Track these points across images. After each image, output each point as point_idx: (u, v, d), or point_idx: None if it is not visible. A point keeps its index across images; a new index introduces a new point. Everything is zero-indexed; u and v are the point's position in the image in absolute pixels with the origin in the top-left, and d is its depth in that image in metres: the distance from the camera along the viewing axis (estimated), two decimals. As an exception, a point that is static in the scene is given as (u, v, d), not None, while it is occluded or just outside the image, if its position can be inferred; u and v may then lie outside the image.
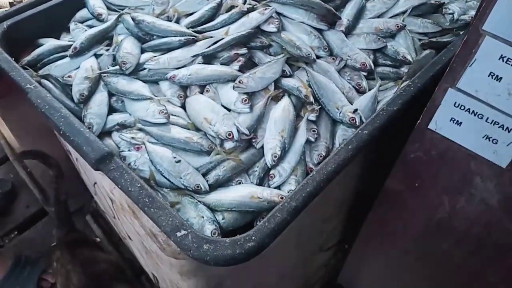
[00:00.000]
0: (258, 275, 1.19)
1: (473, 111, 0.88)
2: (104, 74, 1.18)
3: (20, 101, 1.63)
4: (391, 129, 1.02)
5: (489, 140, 0.89)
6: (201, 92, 1.12)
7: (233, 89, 1.06)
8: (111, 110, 1.15)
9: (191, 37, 1.20)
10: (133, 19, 1.26)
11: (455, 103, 0.90)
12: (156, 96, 1.13)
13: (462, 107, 0.89)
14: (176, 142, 1.02)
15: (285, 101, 1.08)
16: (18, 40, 1.33)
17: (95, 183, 1.46)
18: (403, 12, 1.28)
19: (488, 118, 0.87)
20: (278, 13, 1.25)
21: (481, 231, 1.06)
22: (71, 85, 1.16)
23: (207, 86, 1.12)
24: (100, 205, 1.86)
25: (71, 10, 1.42)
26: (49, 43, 1.30)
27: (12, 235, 2.16)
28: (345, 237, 1.60)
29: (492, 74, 0.82)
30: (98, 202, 1.89)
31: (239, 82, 1.07)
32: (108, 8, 1.38)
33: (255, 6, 1.26)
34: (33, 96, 1.08)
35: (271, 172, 0.99)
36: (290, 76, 1.16)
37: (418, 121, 0.98)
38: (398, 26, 1.22)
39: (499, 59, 0.79)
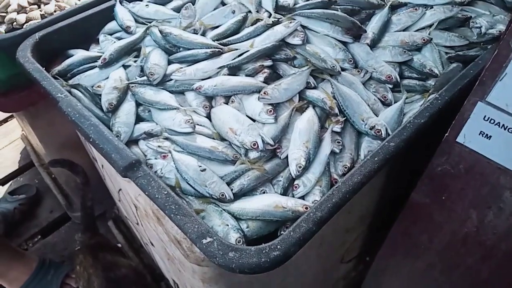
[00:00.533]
0: (279, 284, 1.19)
1: (503, 125, 0.87)
2: (132, 85, 1.21)
3: (48, 109, 1.69)
4: (417, 142, 1.01)
5: (520, 154, 0.88)
6: (226, 103, 1.14)
7: (258, 100, 1.08)
8: (139, 119, 1.18)
9: (217, 49, 1.22)
10: (160, 31, 1.29)
11: (485, 116, 0.88)
12: (182, 106, 1.15)
13: (492, 121, 0.88)
14: (201, 151, 1.04)
15: (310, 112, 1.09)
16: (49, 50, 1.38)
17: (120, 189, 1.49)
18: (429, 26, 1.27)
19: (518, 132, 0.85)
20: (303, 26, 1.26)
21: (510, 246, 1.04)
22: (100, 95, 1.19)
23: (232, 97, 1.13)
24: (123, 211, 1.88)
25: (100, 22, 1.46)
26: (79, 54, 1.34)
27: (35, 239, 2.21)
28: (366, 249, 1.58)
29: (523, 88, 0.81)
30: (121, 208, 1.92)
31: (264, 93, 1.08)
32: (136, 21, 1.42)
33: (280, 20, 1.28)
34: (64, 105, 1.11)
35: (296, 182, 0.99)
36: (315, 87, 1.17)
37: (446, 134, 0.97)
38: (424, 40, 1.21)
39: (531, 72, 0.78)
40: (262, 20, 1.28)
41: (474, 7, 1.38)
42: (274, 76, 1.21)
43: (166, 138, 1.09)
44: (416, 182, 1.13)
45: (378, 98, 1.15)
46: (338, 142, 1.06)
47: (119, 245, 2.04)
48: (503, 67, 0.82)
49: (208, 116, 1.13)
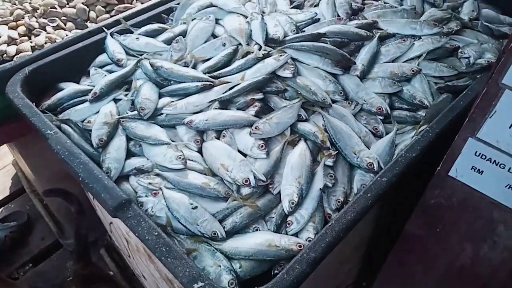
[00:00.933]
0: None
1: (494, 160, 0.87)
2: (123, 119, 1.20)
3: (39, 139, 1.67)
4: (410, 175, 1.01)
5: (512, 190, 0.88)
6: (218, 137, 1.13)
7: (250, 135, 1.07)
8: (129, 154, 1.17)
9: (208, 83, 1.22)
10: (151, 65, 1.29)
11: (476, 152, 0.89)
12: (173, 141, 1.14)
13: (483, 156, 0.88)
14: (193, 188, 1.03)
15: (302, 146, 1.08)
16: (39, 84, 1.38)
17: (111, 222, 1.47)
18: (418, 56, 1.29)
19: (510, 168, 0.85)
20: (293, 59, 1.27)
21: (505, 278, 1.03)
22: (90, 130, 1.18)
23: (224, 131, 1.13)
24: (115, 241, 1.85)
25: (91, 55, 1.46)
26: (69, 88, 1.34)
27: (27, 267, 2.16)
28: (362, 275, 1.56)
29: (513, 126, 0.81)
30: (113, 237, 1.88)
31: (256, 128, 1.07)
32: (127, 53, 1.42)
33: (270, 52, 1.29)
34: (53, 142, 1.10)
35: (289, 219, 0.98)
36: (306, 120, 1.17)
37: (438, 168, 0.97)
38: (413, 70, 1.23)
39: (520, 111, 0.78)
40: (252, 52, 1.29)
41: (462, 36, 1.40)
42: (265, 108, 1.21)
43: (157, 174, 1.08)
44: (410, 212, 1.13)
45: (370, 130, 1.15)
46: (331, 176, 1.05)
47: (111, 273, 2.00)
48: (492, 105, 0.82)
49: (200, 151, 1.12)
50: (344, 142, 1.09)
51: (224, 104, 1.20)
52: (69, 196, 1.69)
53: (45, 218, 2.29)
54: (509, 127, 0.82)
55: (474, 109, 0.85)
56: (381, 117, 1.18)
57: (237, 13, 1.45)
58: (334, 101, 1.21)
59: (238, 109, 1.18)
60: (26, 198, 2.47)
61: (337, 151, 1.09)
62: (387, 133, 1.16)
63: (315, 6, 1.53)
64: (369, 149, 1.10)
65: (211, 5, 1.52)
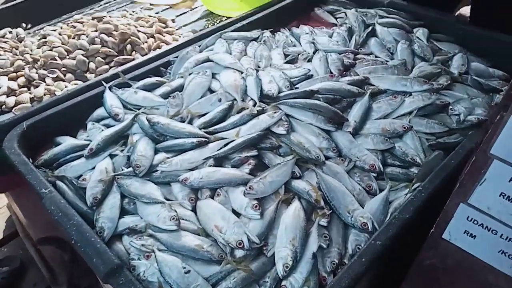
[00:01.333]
0: None
1: (486, 226, 0.87)
2: (118, 176, 1.20)
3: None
4: (404, 236, 1.01)
5: (505, 255, 0.87)
6: (212, 196, 1.13)
7: (244, 195, 1.07)
8: (123, 211, 1.16)
9: (203, 139, 1.24)
10: (148, 120, 1.31)
11: (468, 217, 0.89)
12: (168, 198, 1.15)
13: (475, 222, 0.88)
14: (186, 250, 1.02)
15: (296, 206, 1.08)
16: (36, 138, 1.39)
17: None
18: (409, 113, 1.31)
19: (502, 234, 0.85)
20: (287, 115, 1.29)
21: None
22: (85, 188, 1.18)
23: (218, 190, 1.13)
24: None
25: (89, 108, 1.48)
26: (66, 143, 1.35)
27: (18, 315, 2.11)
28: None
29: (503, 194, 0.82)
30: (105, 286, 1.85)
31: (250, 188, 1.08)
32: (125, 107, 1.44)
33: (265, 108, 1.31)
34: (47, 202, 1.11)
35: (283, 283, 0.97)
36: (300, 177, 1.17)
37: (432, 230, 0.97)
38: (404, 127, 1.25)
39: (510, 181, 0.79)
40: (247, 109, 1.31)
41: (452, 91, 1.43)
42: (260, 164, 1.22)
43: (150, 235, 1.07)
44: (406, 270, 1.12)
45: (363, 187, 1.16)
46: (325, 237, 1.05)
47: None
48: (481, 173, 0.83)
49: (194, 209, 1.12)
50: (338, 201, 1.10)
51: (219, 160, 1.21)
52: (62, 244, 1.68)
53: (38, 263, 2.25)
54: (499, 195, 0.83)
55: (464, 175, 0.86)
56: (374, 174, 1.18)
57: (233, 68, 1.49)
58: (327, 158, 1.22)
59: (232, 166, 1.19)
60: (19, 242, 2.43)
61: (331, 210, 1.09)
62: (381, 190, 1.17)
63: (308, 60, 1.57)
64: (363, 207, 1.10)
65: (208, 60, 1.56)
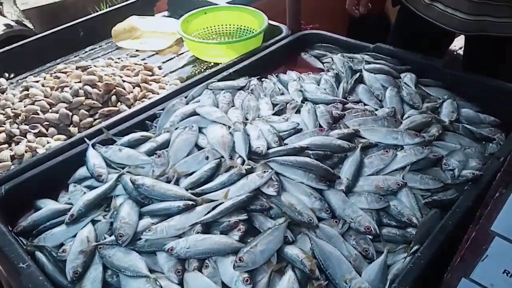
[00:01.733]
0: None
1: (492, 304, 0.82)
2: (100, 246, 1.13)
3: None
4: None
5: (514, 334, 0.82)
6: (200, 267, 1.07)
7: (234, 268, 1.01)
8: (106, 284, 1.09)
9: (190, 203, 1.18)
10: (132, 182, 1.25)
11: (471, 293, 0.84)
12: (153, 270, 1.08)
13: (480, 298, 0.83)
14: (173, 331, 0.95)
15: (289, 277, 1.02)
16: (15, 202, 1.32)
17: None
18: (402, 168, 1.28)
19: (508, 312, 0.80)
20: (277, 173, 1.25)
21: None
22: (65, 261, 1.11)
23: (206, 261, 1.07)
24: None
25: (72, 167, 1.42)
26: (46, 208, 1.28)
27: None
28: None
29: (507, 271, 0.78)
30: None
31: (239, 260, 1.02)
32: (108, 166, 1.38)
33: (253, 167, 1.27)
34: (25, 279, 1.04)
35: None
36: (293, 242, 1.12)
37: (434, 303, 0.92)
38: (399, 185, 1.21)
39: (513, 260, 0.75)
40: (236, 167, 1.27)
41: (444, 141, 1.41)
42: (250, 227, 1.16)
43: (135, 314, 1.00)
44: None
45: (359, 252, 1.10)
46: (322, 310, 0.98)
47: None
48: (483, 250, 0.79)
49: (181, 283, 1.05)
50: (334, 270, 1.04)
51: (207, 225, 1.16)
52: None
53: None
54: (503, 272, 0.78)
55: (465, 251, 0.82)
56: (370, 237, 1.13)
57: (220, 123, 1.45)
58: (320, 219, 1.17)
59: (221, 232, 1.14)
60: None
61: (327, 281, 1.03)
62: (377, 252, 1.12)
63: (297, 111, 1.54)
64: (360, 274, 1.05)
65: (195, 113, 1.52)
